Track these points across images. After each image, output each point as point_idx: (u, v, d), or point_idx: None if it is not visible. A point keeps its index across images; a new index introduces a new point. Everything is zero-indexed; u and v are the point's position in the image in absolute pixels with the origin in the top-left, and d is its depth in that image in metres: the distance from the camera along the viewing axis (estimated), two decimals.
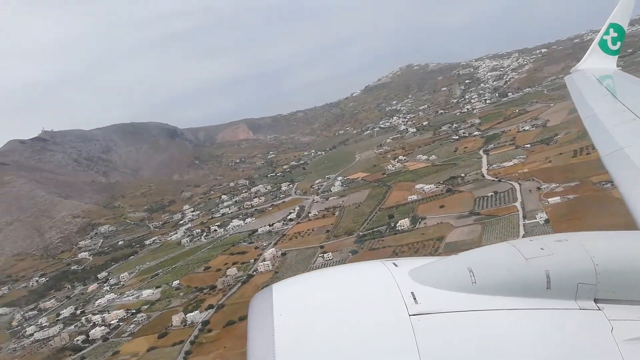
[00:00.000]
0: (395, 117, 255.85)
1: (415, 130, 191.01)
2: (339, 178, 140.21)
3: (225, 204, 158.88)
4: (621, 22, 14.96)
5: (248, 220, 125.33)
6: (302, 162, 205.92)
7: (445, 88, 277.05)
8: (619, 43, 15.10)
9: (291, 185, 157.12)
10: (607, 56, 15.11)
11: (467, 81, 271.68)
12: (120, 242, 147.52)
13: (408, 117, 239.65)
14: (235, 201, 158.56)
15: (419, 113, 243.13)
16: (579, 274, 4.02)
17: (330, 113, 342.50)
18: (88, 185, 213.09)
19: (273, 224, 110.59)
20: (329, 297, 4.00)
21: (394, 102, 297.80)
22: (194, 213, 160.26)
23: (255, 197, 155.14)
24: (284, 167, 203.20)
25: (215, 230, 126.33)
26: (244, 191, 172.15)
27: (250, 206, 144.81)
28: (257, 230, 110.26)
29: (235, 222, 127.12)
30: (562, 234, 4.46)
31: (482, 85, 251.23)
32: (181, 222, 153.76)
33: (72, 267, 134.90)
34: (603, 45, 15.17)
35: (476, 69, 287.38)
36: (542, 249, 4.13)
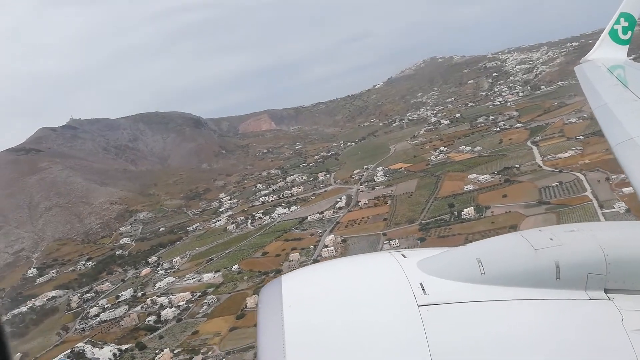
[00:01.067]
0: (422, 110, 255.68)
1: (448, 122, 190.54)
2: (380, 168, 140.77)
3: (263, 192, 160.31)
4: (632, 11, 14.60)
5: (293, 208, 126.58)
6: (333, 152, 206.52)
7: (472, 81, 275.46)
8: (629, 32, 14.78)
9: (328, 175, 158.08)
10: (617, 46, 14.79)
11: (494, 74, 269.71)
12: (161, 229, 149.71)
13: (437, 110, 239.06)
14: (273, 190, 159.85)
15: (447, 105, 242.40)
16: (589, 264, 4.00)
17: (352, 105, 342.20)
18: (120, 173, 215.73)
19: (322, 211, 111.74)
20: (337, 288, 4.05)
21: (419, 94, 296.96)
22: (232, 201, 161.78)
23: (293, 186, 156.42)
24: (315, 157, 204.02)
25: (260, 217, 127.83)
26: (278, 181, 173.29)
27: (290, 195, 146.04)
28: (306, 218, 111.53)
29: (280, 210, 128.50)
30: (571, 224, 4.49)
31: (511, 78, 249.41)
32: (220, 209, 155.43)
33: (117, 252, 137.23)
34: (613, 34, 14.87)
35: (503, 62, 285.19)
36: (551, 239, 4.12)
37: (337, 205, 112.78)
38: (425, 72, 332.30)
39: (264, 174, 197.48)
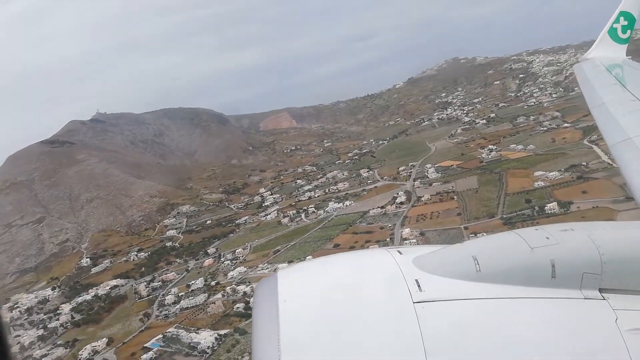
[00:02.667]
0: (449, 109, 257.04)
1: (485, 121, 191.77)
2: (428, 165, 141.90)
3: (306, 188, 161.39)
4: (632, 10, 14.59)
5: (347, 203, 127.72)
6: (366, 150, 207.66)
7: (498, 82, 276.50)
8: (629, 31, 14.76)
9: (371, 172, 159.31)
10: (616, 45, 14.74)
11: (521, 75, 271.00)
12: (208, 222, 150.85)
13: (466, 110, 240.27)
14: (316, 186, 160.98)
15: (476, 106, 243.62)
16: (585, 263, 4.04)
17: (373, 104, 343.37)
18: (154, 167, 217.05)
19: (383, 206, 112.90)
20: (333, 283, 4.06)
21: (443, 94, 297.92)
22: (274, 196, 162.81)
23: (336, 182, 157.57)
24: (349, 154, 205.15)
25: (314, 211, 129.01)
26: (318, 177, 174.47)
27: (336, 190, 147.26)
28: (367, 212, 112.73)
29: (332, 204, 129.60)
30: (568, 223, 4.54)
31: (540, 79, 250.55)
32: (265, 204, 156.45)
33: (167, 244, 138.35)
34: (613, 33, 14.82)
35: (529, 63, 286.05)
36: (547, 238, 4.16)
37: (398, 201, 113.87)
38: (447, 73, 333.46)
39: (300, 170, 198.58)
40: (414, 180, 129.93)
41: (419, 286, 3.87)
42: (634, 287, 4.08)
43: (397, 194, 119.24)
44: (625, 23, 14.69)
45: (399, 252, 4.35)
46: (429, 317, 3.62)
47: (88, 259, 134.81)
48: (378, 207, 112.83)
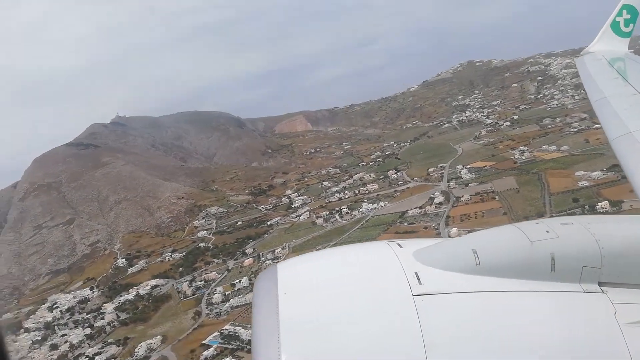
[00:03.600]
0: (468, 112, 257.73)
1: (509, 123, 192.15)
2: (459, 166, 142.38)
3: (333, 189, 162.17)
4: (635, 4, 14.45)
5: (381, 204, 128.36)
6: (389, 152, 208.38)
7: (515, 84, 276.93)
8: (631, 25, 14.59)
9: (399, 174, 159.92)
10: (619, 38, 14.59)
11: (539, 78, 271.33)
12: (238, 223, 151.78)
13: (486, 112, 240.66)
14: (343, 187, 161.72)
15: (496, 108, 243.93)
16: (584, 257, 4.06)
17: (388, 107, 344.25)
18: (178, 169, 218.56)
19: (422, 206, 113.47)
20: (333, 276, 4.08)
21: (460, 97, 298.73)
22: (302, 197, 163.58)
23: (364, 184, 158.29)
24: (372, 157, 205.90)
25: (348, 212, 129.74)
26: (345, 178, 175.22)
27: (367, 191, 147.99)
28: (406, 212, 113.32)
29: (366, 205, 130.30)
30: (568, 217, 4.57)
31: (559, 82, 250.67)
32: (294, 205, 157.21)
33: (200, 245, 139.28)
34: (615, 27, 14.66)
35: (547, 66, 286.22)
36: (547, 232, 4.17)
37: (436, 201, 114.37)
38: (463, 76, 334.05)
39: (323, 172, 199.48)
40: (448, 181, 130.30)
41: (418, 279, 3.88)
42: (633, 280, 4.10)
43: (434, 194, 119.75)
44: (628, 16, 14.50)
45: (399, 245, 4.37)
46: (429, 310, 3.62)
47: (123, 260, 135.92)
48: (416, 208, 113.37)
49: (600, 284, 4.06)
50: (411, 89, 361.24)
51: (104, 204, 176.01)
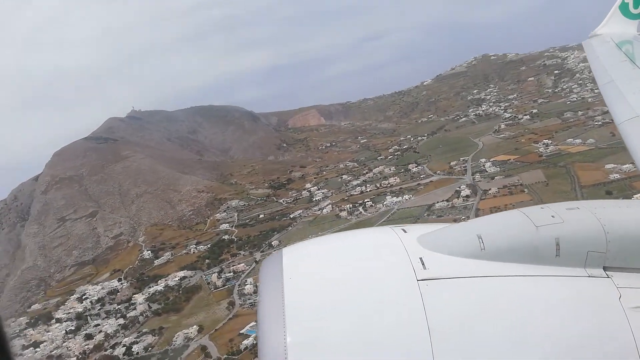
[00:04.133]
0: (484, 106, 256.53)
1: (528, 117, 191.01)
2: (482, 160, 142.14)
3: (354, 183, 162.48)
4: None
5: (405, 197, 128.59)
6: (406, 146, 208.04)
7: (532, 78, 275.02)
8: None
9: (419, 167, 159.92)
10: (627, 20, 14.15)
11: (556, 72, 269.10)
12: (261, 216, 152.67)
13: (503, 106, 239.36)
14: (364, 181, 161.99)
15: (513, 102, 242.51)
16: (589, 241, 4.05)
17: (402, 101, 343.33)
18: (196, 163, 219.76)
19: (449, 199, 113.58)
20: (338, 261, 4.08)
21: (475, 91, 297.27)
22: (322, 191, 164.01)
23: (384, 177, 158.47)
24: (389, 150, 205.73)
25: (372, 205, 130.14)
26: (364, 172, 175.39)
27: (388, 185, 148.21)
28: (433, 205, 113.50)
29: (390, 198, 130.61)
30: (573, 202, 4.53)
31: (577, 75, 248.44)
32: (315, 198, 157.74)
33: (223, 237, 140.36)
34: (624, 8, 14.25)
35: (564, 59, 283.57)
36: (552, 216, 4.16)
37: (463, 194, 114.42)
38: (477, 70, 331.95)
39: (341, 166, 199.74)
40: (473, 175, 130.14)
41: (423, 264, 3.89)
42: (638, 265, 4.11)
43: (460, 187, 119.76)
44: None
45: (404, 230, 4.37)
46: (433, 295, 3.65)
47: (149, 252, 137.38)
48: (443, 201, 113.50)
49: (605, 268, 4.05)
50: (425, 83, 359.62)
51: (125, 197, 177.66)
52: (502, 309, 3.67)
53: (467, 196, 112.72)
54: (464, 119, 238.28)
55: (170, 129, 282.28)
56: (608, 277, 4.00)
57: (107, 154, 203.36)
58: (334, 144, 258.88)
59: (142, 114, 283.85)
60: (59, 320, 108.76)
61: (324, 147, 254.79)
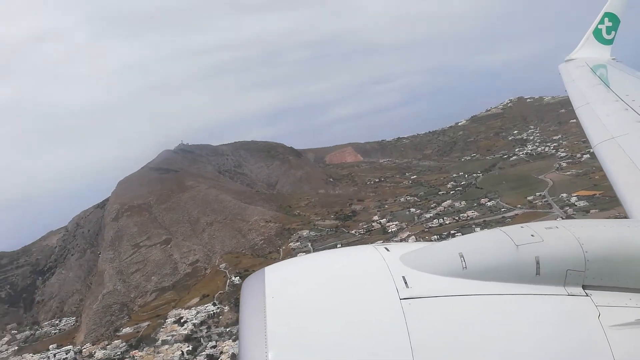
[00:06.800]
0: (529, 146, 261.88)
1: (588, 156, 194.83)
2: (563, 195, 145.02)
3: (427, 216, 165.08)
4: (616, 12, 14.89)
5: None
6: (463, 182, 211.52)
7: (574, 120, 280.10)
8: (613, 32, 14.93)
9: (492, 202, 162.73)
10: (601, 45, 14.91)
11: None
12: (338, 245, 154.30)
13: (551, 146, 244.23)
14: (437, 214, 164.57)
15: (561, 142, 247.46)
16: (568, 260, 4.12)
17: (438, 140, 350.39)
18: (254, 194, 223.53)
19: None
20: (320, 280, 4.11)
21: (515, 131, 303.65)
22: (394, 223, 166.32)
23: (456, 211, 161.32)
24: (447, 186, 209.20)
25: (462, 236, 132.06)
26: (431, 206, 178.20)
27: (467, 217, 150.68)
28: None
29: (480, 230, 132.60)
30: (552, 221, 4.63)
31: None
32: (389, 230, 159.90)
33: None
34: (597, 34, 14.98)
35: None
36: (532, 235, 4.24)
37: None
38: (514, 111, 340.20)
39: (402, 200, 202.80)
40: (561, 208, 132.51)
41: (405, 283, 3.94)
42: (617, 283, 4.18)
43: (556, 219, 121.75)
44: (610, 24, 14.84)
45: (387, 249, 4.42)
46: (416, 313, 3.70)
47: (238, 277, 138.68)
48: None
49: (584, 287, 4.14)
50: (459, 124, 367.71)
51: (195, 225, 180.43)
52: (483, 327, 3.75)
53: None
54: (514, 157, 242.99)
55: (218, 162, 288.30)
56: (587, 296, 4.07)
57: (171, 184, 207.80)
58: (382, 179, 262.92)
59: (191, 147, 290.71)
60: (165, 342, 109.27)
61: (372, 182, 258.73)
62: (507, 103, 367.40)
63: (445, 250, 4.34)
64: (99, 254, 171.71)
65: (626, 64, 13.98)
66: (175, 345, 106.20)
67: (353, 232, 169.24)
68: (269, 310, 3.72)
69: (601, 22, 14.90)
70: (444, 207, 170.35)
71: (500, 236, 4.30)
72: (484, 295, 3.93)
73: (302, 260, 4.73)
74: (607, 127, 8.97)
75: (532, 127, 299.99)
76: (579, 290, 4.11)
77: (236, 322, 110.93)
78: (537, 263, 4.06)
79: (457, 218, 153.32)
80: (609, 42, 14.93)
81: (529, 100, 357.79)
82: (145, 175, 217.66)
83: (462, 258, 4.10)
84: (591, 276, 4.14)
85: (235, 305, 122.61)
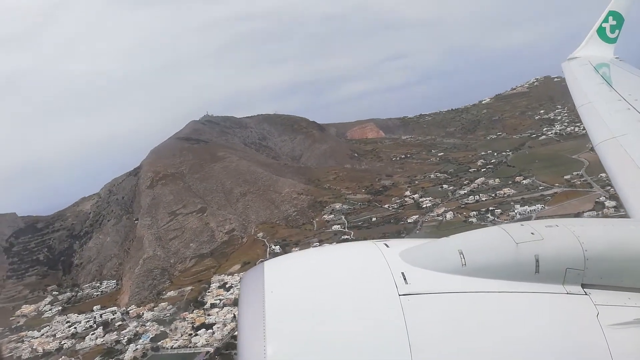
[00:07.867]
0: (557, 125, 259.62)
1: None
2: (601, 175, 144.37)
3: (461, 192, 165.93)
4: (620, 10, 14.70)
5: (538, 206, 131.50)
6: (494, 160, 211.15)
7: None
8: (617, 31, 14.79)
9: (528, 180, 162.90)
10: (604, 44, 14.77)
11: None
12: (373, 219, 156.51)
13: (581, 126, 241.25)
14: (471, 190, 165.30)
15: None
16: (568, 259, 4.14)
17: (461, 118, 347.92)
18: (283, 167, 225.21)
19: (595, 209, 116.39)
20: (319, 275, 4.12)
21: (541, 111, 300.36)
22: (428, 198, 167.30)
23: (490, 188, 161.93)
24: (477, 164, 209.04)
25: (501, 213, 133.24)
26: (464, 182, 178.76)
27: (504, 195, 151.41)
28: (580, 214, 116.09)
29: (520, 207, 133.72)
30: (553, 219, 4.62)
31: None
32: (423, 205, 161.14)
33: (342, 237, 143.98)
34: (601, 33, 14.85)
35: None
36: (532, 233, 4.25)
37: (608, 204, 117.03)
38: (540, 91, 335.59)
39: (432, 176, 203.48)
40: (603, 187, 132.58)
41: (405, 279, 3.96)
42: (615, 283, 4.20)
43: (599, 199, 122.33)
44: (614, 23, 14.67)
45: (386, 245, 4.44)
46: (415, 310, 3.72)
47: (278, 246, 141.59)
48: (590, 211, 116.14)
49: (583, 285, 4.17)
50: (483, 102, 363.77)
51: (229, 195, 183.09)
52: (482, 324, 3.78)
53: (615, 207, 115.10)
54: (542, 137, 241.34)
55: (243, 134, 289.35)
56: (586, 295, 4.10)
57: (203, 154, 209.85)
58: (408, 155, 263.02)
59: (215, 118, 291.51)
60: (214, 305, 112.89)
61: (398, 159, 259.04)
62: (534, 82, 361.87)
63: (444, 247, 4.36)
64: (136, 220, 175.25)
65: (629, 63, 13.90)
66: (225, 308, 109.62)
67: (386, 206, 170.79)
68: (268, 304, 3.75)
69: (605, 20, 14.71)
70: (478, 185, 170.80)
71: (500, 234, 4.33)
72: (483, 292, 3.96)
73: (301, 255, 4.75)
74: (609, 127, 8.90)
75: (559, 107, 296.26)
76: (578, 288, 4.13)
77: None
78: (537, 261, 4.08)
79: (493, 195, 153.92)
80: (612, 40, 14.79)
81: (556, 79, 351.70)
82: (176, 145, 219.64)
83: (461, 255, 4.12)
84: (590, 275, 4.16)
85: None
